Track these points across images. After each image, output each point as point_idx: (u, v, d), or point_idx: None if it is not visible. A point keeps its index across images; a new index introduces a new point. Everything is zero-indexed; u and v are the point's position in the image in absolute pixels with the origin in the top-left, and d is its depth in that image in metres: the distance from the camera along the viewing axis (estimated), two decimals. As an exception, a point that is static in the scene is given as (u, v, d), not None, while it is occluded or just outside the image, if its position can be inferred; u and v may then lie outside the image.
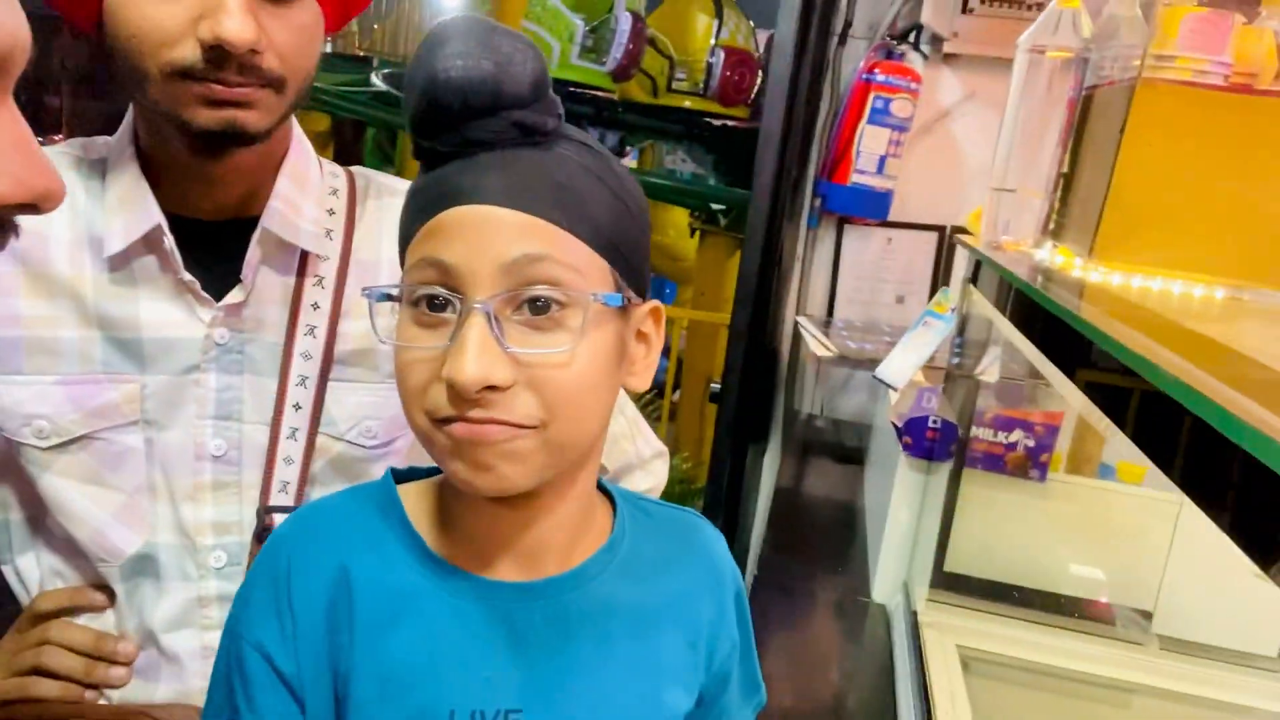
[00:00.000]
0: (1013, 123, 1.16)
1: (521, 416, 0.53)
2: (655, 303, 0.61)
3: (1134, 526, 1.40)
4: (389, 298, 0.57)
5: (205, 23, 0.67)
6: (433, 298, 0.54)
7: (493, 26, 0.54)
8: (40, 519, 0.82)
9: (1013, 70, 1.16)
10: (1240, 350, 0.53)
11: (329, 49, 7.56)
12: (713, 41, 4.91)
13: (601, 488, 0.67)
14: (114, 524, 0.79)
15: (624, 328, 0.59)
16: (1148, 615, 1.37)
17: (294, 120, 0.83)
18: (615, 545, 0.64)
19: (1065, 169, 1.08)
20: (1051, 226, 1.09)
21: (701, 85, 4.93)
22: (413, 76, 0.54)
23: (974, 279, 1.24)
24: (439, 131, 0.54)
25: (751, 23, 5.11)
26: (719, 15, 4.96)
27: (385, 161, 7.38)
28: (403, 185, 0.89)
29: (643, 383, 0.61)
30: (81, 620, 0.82)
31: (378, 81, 5.20)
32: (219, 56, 0.68)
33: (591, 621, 0.62)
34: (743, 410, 2.08)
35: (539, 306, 0.53)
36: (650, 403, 3.76)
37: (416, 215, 0.56)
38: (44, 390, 0.76)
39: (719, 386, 2.05)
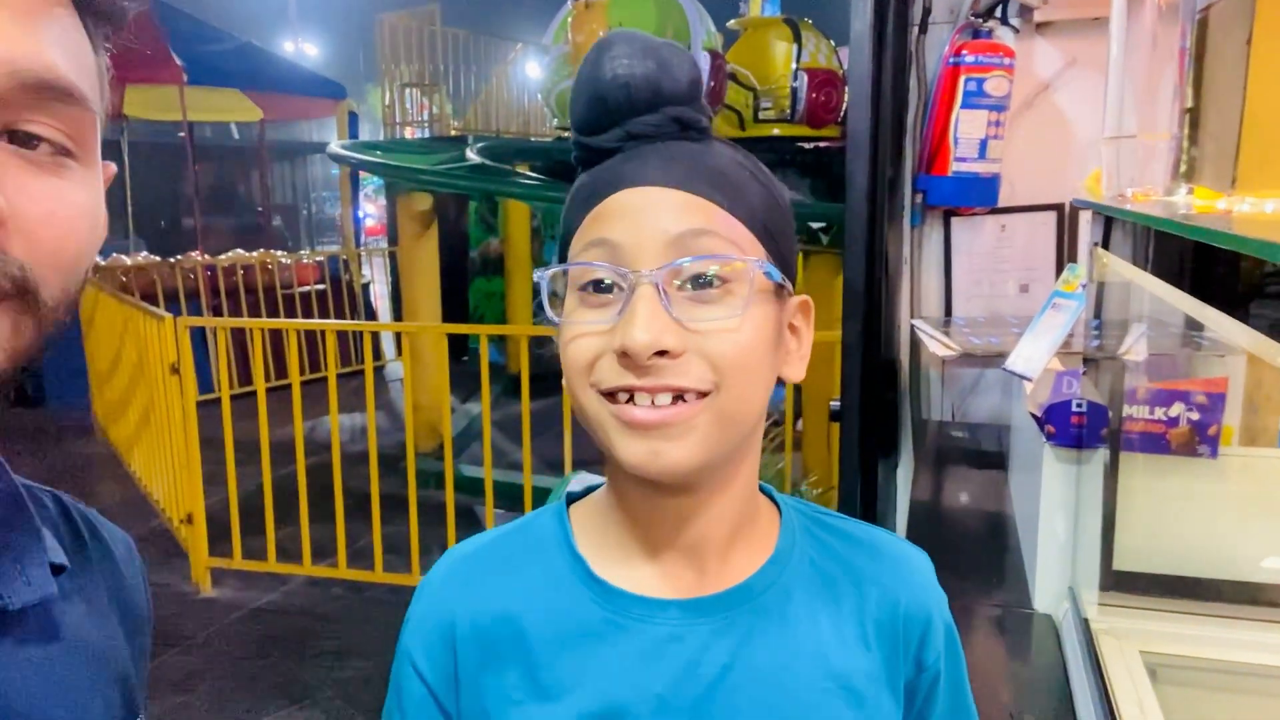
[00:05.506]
0: (1120, 66, 1.06)
1: (694, 380, 0.55)
2: (805, 297, 0.63)
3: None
4: (553, 294, 0.59)
5: None
6: (599, 281, 0.57)
7: (649, 36, 0.59)
8: None
9: (1111, 11, 1.06)
10: None
11: (427, 133, 7.89)
12: (794, 66, 4.87)
13: (770, 497, 0.67)
14: None
15: (780, 312, 0.60)
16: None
17: None
18: (783, 557, 0.64)
19: (1189, 104, 0.98)
20: (1183, 169, 0.98)
21: (788, 111, 4.89)
22: (579, 80, 0.59)
23: (1105, 242, 1.12)
24: (605, 128, 0.58)
25: (832, 41, 5.04)
26: (797, 40, 4.92)
27: (489, 231, 7.62)
28: None
29: (797, 373, 0.62)
30: None
31: (473, 155, 5.39)
32: None
33: (764, 636, 0.61)
34: (866, 425, 1.98)
35: (703, 281, 0.56)
36: (768, 432, 3.72)
37: (580, 206, 0.60)
38: None
39: (838, 404, 1.97)
